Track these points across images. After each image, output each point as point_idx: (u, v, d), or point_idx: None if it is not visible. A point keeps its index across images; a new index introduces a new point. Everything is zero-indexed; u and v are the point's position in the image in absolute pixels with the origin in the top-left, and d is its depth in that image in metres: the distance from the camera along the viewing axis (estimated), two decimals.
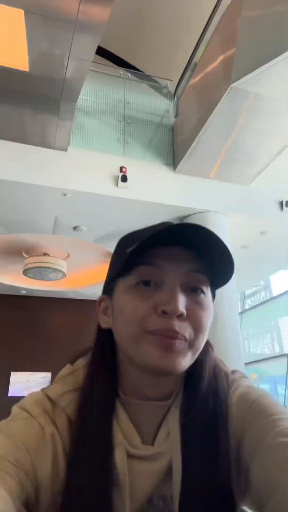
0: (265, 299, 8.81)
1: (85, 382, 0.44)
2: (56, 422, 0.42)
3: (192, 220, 4.58)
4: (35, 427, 0.41)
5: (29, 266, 5.53)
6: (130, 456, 0.40)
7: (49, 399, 0.44)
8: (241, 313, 8.48)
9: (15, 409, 0.44)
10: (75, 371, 0.47)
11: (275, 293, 8.47)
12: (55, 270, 5.61)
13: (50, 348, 7.59)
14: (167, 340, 0.39)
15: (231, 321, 4.20)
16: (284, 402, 6.89)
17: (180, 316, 0.39)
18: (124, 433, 0.41)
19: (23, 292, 7.43)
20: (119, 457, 0.39)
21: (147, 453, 0.40)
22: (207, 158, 3.86)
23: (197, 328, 0.41)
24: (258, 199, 4.44)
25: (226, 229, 4.66)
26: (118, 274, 0.43)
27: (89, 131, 3.96)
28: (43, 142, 3.59)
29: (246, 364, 5.28)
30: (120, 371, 0.44)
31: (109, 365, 0.44)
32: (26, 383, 7.29)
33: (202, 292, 0.42)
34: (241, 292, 8.77)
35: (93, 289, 7.59)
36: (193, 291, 0.42)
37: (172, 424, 0.42)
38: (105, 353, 0.45)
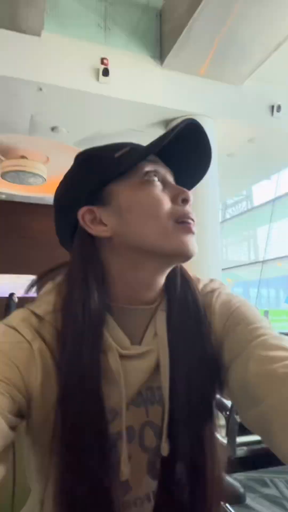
0: (245, 209, 8.92)
1: (74, 297, 0.44)
2: (44, 336, 0.44)
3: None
4: (23, 344, 0.42)
5: (7, 169, 5.29)
6: (121, 356, 0.44)
7: (36, 315, 0.44)
8: (222, 222, 8.64)
9: (1, 326, 0.44)
10: (59, 289, 0.47)
11: (256, 203, 8.55)
12: (34, 174, 5.41)
13: (35, 253, 7.68)
14: (191, 226, 0.44)
15: (212, 229, 4.30)
16: (256, 303, 7.49)
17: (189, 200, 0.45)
18: (113, 338, 0.44)
19: (3, 197, 7.25)
20: (113, 359, 0.43)
21: (136, 352, 0.45)
22: (197, 50, 3.50)
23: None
24: (249, 102, 4.19)
25: (214, 135, 4.46)
26: (109, 179, 0.44)
27: (65, 12, 3.45)
28: (12, 24, 3.14)
29: (223, 269, 5.56)
30: (110, 279, 0.46)
31: (100, 276, 0.45)
32: (14, 285, 7.56)
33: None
34: (222, 202, 8.81)
35: None
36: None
37: (159, 325, 0.46)
38: (97, 264, 0.45)
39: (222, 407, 1.59)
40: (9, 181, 5.66)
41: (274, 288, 8.31)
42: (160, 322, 0.46)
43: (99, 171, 0.45)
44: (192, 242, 0.44)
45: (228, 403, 1.52)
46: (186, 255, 0.44)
